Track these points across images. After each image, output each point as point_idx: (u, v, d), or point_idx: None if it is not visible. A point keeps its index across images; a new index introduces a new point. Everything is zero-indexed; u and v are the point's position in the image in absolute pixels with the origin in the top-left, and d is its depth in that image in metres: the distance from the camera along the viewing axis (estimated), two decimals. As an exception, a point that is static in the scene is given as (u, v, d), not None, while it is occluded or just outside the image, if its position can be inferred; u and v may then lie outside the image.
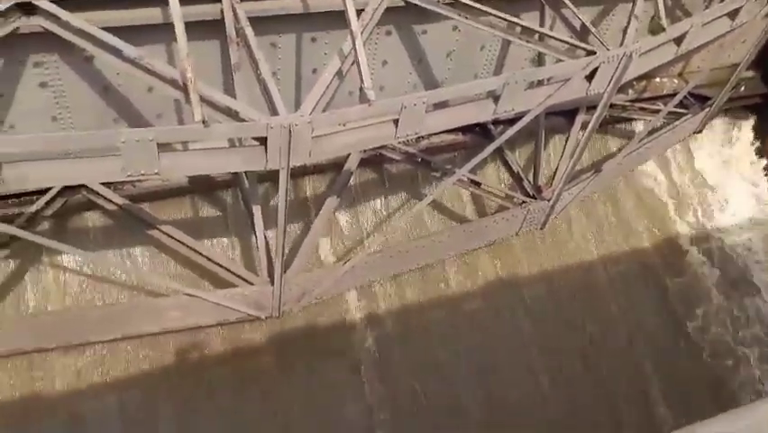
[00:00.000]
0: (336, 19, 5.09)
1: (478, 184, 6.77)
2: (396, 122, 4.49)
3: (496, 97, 4.93)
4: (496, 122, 6.87)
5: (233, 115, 4.25)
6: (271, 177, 6.07)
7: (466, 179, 6.73)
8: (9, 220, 4.80)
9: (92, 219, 5.85)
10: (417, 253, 6.33)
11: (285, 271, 5.43)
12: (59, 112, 4.99)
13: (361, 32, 4.39)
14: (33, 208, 5.28)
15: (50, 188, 5.36)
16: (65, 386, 5.58)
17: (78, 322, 5.17)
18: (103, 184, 5.50)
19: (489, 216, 6.75)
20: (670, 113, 7.71)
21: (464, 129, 6.80)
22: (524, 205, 6.72)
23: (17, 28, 4.09)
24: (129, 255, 5.89)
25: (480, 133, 6.97)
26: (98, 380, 5.71)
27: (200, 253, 5.68)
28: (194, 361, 6.08)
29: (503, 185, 7.17)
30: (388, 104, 4.37)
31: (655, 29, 5.48)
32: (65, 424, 5.52)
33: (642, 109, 7.95)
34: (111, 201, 5.54)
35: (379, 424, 6.33)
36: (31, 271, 5.72)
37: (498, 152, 7.03)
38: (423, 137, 6.62)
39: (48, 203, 5.37)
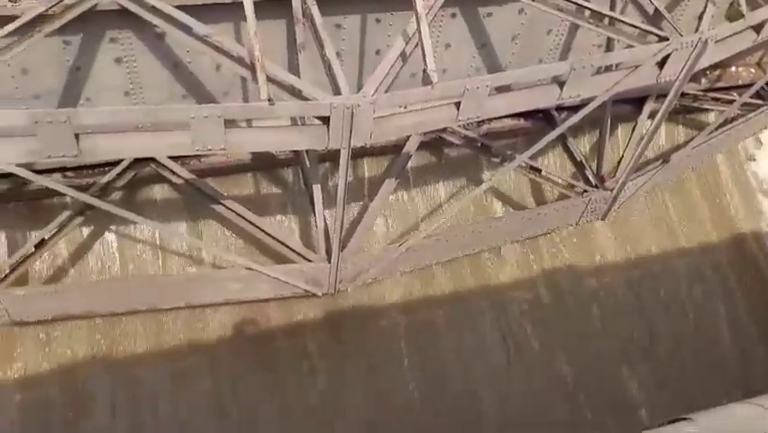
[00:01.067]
0: (401, 0, 5.11)
1: (538, 171, 6.67)
2: (458, 105, 4.47)
3: (561, 83, 4.83)
4: (560, 108, 6.72)
5: (296, 94, 4.32)
6: (331, 157, 6.18)
7: (526, 166, 6.63)
8: (83, 189, 5.03)
9: (159, 192, 6.08)
10: (474, 238, 6.31)
11: (342, 250, 5.50)
12: (132, 87, 5.19)
13: (426, 14, 4.37)
14: (106, 179, 5.52)
15: (121, 161, 5.59)
16: (124, 350, 5.90)
17: (144, 289, 5.41)
18: (171, 158, 5.69)
19: (549, 203, 6.65)
20: (744, 104, 7.37)
21: (526, 114, 6.70)
22: (585, 194, 6.58)
23: (95, 5, 4.26)
24: (193, 228, 6.12)
25: (542, 119, 6.84)
26: (157, 347, 6.00)
27: (261, 229, 5.83)
28: (250, 333, 6.28)
29: (565, 173, 7.04)
30: (451, 86, 4.35)
31: (733, 15, 5.26)
32: (123, 384, 5.83)
33: (715, 99, 7.62)
34: (178, 175, 5.72)
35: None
36: (101, 238, 6.01)
37: (561, 139, 6.90)
38: (484, 121, 6.58)
39: (119, 175, 5.60)
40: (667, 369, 7.25)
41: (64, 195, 5.73)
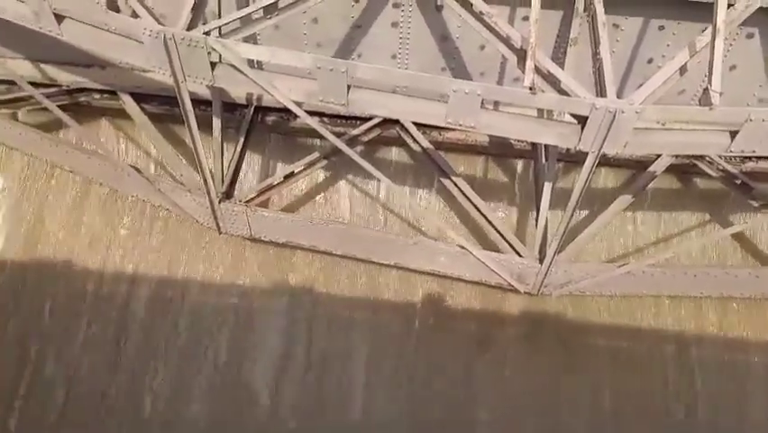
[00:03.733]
0: (693, 10, 4.71)
1: (804, 227, 5.82)
2: (733, 134, 4.04)
3: None
4: None
5: (555, 86, 4.23)
6: (567, 158, 6.01)
7: (790, 219, 5.82)
8: (336, 136, 5.46)
9: (396, 155, 6.42)
10: (704, 281, 5.72)
11: (557, 254, 5.34)
12: (400, 51, 5.48)
13: (725, 29, 3.97)
14: (355, 132, 5.95)
15: (371, 118, 5.97)
16: (323, 287, 6.42)
17: (365, 240, 5.78)
18: (415, 125, 5.95)
19: (808, 267, 5.78)
20: None
21: (806, 161, 5.85)
22: None
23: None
24: (419, 195, 6.38)
25: (825, 169, 5.92)
26: (348, 293, 6.42)
27: (480, 212, 5.87)
28: (440, 309, 6.43)
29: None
30: (733, 113, 3.93)
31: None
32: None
33: None
34: (418, 142, 5.96)
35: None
36: (337, 184, 6.55)
37: (842, 198, 5.91)
38: (751, 158, 5.87)
39: (367, 131, 5.99)
40: None
41: (315, 137, 6.35)
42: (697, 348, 6.29)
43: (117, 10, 4.58)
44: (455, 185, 5.96)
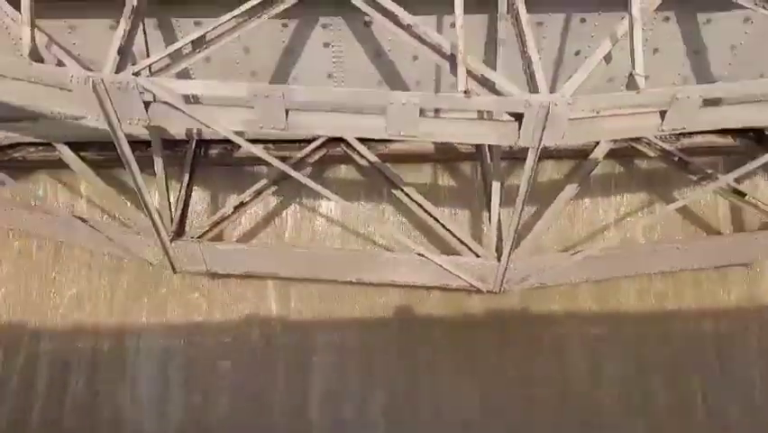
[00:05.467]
0: (610, 1, 4.89)
1: (742, 195, 6.06)
2: (662, 114, 4.19)
3: (787, 100, 4.34)
4: (777, 128, 6.04)
5: (489, 87, 4.32)
6: (511, 155, 6.13)
7: (728, 188, 6.05)
8: (282, 160, 5.44)
9: (345, 171, 6.44)
10: (660, 258, 5.88)
11: (513, 251, 5.43)
12: (335, 70, 5.52)
13: (641, 16, 4.14)
14: (300, 154, 5.95)
15: (315, 139, 5.98)
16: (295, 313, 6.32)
17: (324, 260, 5.76)
18: (359, 141, 5.98)
19: (751, 232, 6.02)
20: None
21: (735, 131, 6.11)
22: (796, 226, 5.87)
23: (317, -9, 4.59)
24: (372, 209, 6.40)
25: (753, 138, 6.20)
26: (325, 316, 6.37)
27: (434, 218, 5.93)
28: (409, 317, 6.46)
29: (771, 201, 6.33)
30: (659, 93, 4.08)
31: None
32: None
33: None
34: (364, 157, 6.00)
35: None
36: (288, 209, 6.53)
37: (773, 163, 6.18)
38: (684, 135, 6.10)
39: (312, 151, 5.99)
40: None
41: (261, 164, 6.31)
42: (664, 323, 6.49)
43: (41, 60, 4.48)
44: (407, 195, 6.01)
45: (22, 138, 6.03)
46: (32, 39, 4.34)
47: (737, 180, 5.95)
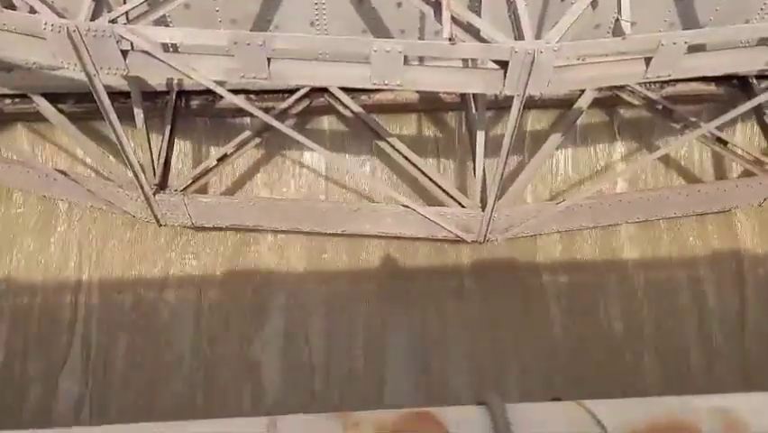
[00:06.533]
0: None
1: (724, 143, 6.10)
2: (647, 61, 4.17)
3: (772, 46, 4.33)
4: (761, 76, 6.05)
5: (474, 35, 4.26)
6: (496, 105, 6.10)
7: (711, 136, 6.09)
8: (265, 111, 5.37)
9: (329, 123, 6.37)
10: (639, 206, 5.96)
11: (497, 200, 5.46)
12: (317, 18, 5.38)
13: (628, -41, 4.08)
14: (283, 105, 5.86)
15: (298, 89, 5.89)
16: (279, 266, 6.38)
17: (309, 212, 5.76)
18: (343, 91, 5.90)
19: (731, 179, 6.09)
20: None
21: (719, 79, 6.10)
22: (775, 173, 5.94)
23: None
24: (357, 161, 6.37)
25: (737, 85, 6.20)
26: (310, 267, 6.42)
27: (419, 169, 5.91)
28: (394, 268, 6.51)
29: (753, 149, 6.37)
30: (644, 39, 4.06)
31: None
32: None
33: None
34: (348, 108, 5.93)
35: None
36: (272, 160, 6.46)
37: (756, 111, 6.21)
38: (668, 83, 6.09)
39: (295, 102, 5.91)
40: None
41: (244, 116, 6.23)
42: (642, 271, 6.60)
43: (12, 6, 4.33)
44: (391, 146, 5.98)
45: (-3, 90, 5.89)
46: (3, -16, 4.19)
47: (720, 128, 5.99)
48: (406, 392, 6.22)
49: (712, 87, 6.23)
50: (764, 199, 6.10)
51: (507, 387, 6.23)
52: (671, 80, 5.57)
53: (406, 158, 5.95)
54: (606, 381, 6.22)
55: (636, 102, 6.16)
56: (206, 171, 5.89)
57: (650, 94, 6.12)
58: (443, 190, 5.85)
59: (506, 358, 6.35)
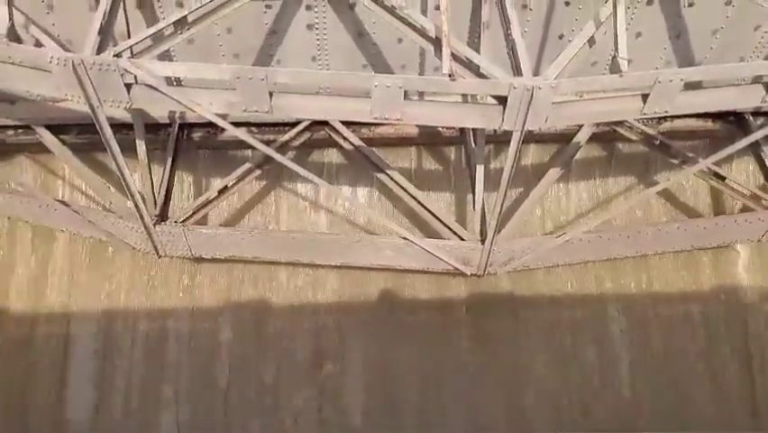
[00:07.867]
0: (597, -17, 4.89)
1: (722, 178, 6.13)
2: (645, 97, 4.23)
3: (766, 84, 4.40)
4: (757, 113, 6.12)
5: (473, 71, 4.33)
6: (495, 138, 6.16)
7: (709, 171, 6.13)
8: (266, 144, 5.42)
9: (330, 155, 6.42)
10: (640, 240, 5.96)
11: (497, 234, 5.47)
12: (318, 53, 5.47)
13: (624, -1, 4.16)
14: (284, 138, 5.92)
15: (299, 122, 5.95)
16: (278, 298, 6.37)
17: (308, 244, 5.76)
18: (344, 124, 5.96)
19: (730, 215, 6.10)
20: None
21: (716, 115, 6.18)
22: (774, 209, 5.95)
23: (298, -27, 4.54)
24: (356, 193, 6.40)
25: (733, 122, 6.26)
26: (309, 300, 6.41)
27: (419, 202, 5.94)
28: (393, 301, 6.49)
29: (749, 185, 6.41)
30: (641, 77, 4.12)
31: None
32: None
33: None
34: (349, 141, 5.99)
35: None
36: (272, 192, 6.49)
37: (754, 148, 6.26)
38: (665, 118, 6.15)
39: (296, 135, 5.97)
40: None
41: (245, 148, 6.27)
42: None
43: (19, 40, 4.40)
44: (391, 179, 6.01)
45: (1, 121, 5.94)
46: (10, 18, 4.26)
47: (717, 164, 6.03)
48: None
49: (709, 124, 6.29)
50: (764, 234, 6.10)
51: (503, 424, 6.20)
52: (668, 116, 5.64)
53: (405, 191, 5.98)
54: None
55: (634, 137, 6.21)
56: (207, 203, 5.91)
57: (647, 129, 6.19)
58: (443, 223, 5.87)
59: (505, 392, 6.31)
